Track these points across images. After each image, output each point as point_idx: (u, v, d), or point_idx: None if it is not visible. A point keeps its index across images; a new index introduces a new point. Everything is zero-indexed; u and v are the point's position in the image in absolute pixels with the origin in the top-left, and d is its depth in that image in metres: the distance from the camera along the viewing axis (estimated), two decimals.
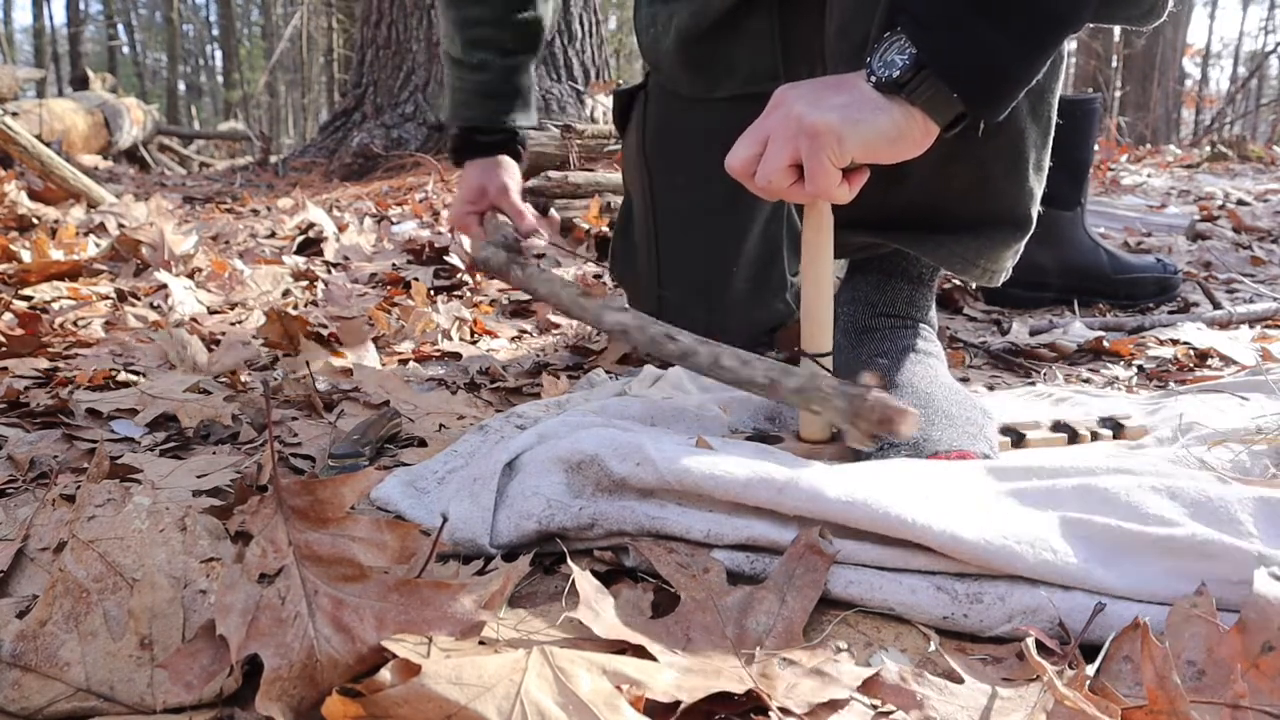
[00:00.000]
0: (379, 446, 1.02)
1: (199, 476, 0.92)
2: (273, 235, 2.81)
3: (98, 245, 2.24)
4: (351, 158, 5.01)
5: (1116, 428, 0.99)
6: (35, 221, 2.61)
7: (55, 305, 1.74)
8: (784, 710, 0.53)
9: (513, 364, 1.44)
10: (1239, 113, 9.79)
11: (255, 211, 3.60)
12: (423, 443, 1.04)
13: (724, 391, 1.10)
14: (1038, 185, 0.99)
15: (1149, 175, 4.27)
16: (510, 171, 1.35)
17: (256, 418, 1.11)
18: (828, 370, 0.91)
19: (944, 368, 1.05)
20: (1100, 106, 1.98)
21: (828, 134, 0.76)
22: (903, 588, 0.66)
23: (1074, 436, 0.97)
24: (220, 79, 22.82)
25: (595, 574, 0.68)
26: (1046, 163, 0.99)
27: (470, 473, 0.81)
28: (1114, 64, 8.50)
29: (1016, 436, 0.96)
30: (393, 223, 3.00)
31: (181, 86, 20.17)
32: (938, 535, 0.65)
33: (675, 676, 0.55)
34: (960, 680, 0.58)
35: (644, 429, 0.93)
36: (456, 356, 1.47)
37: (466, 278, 2.10)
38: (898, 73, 0.76)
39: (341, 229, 2.68)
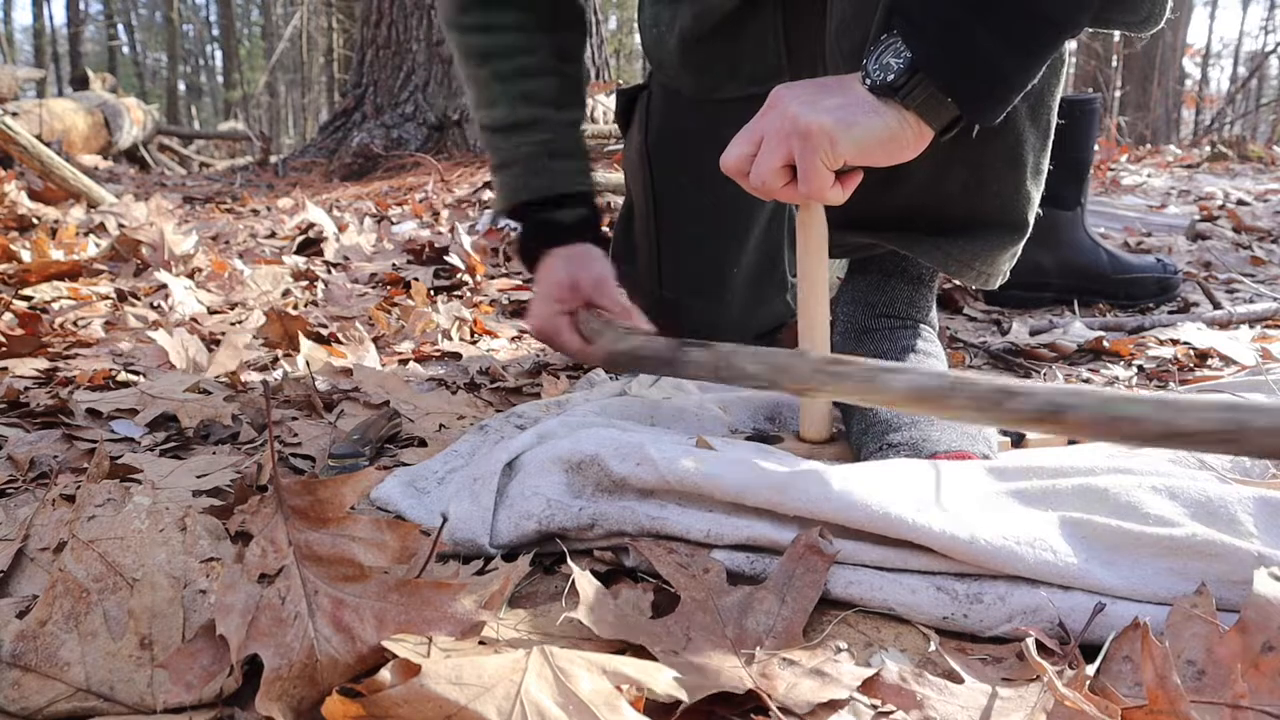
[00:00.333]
0: (379, 446, 1.02)
1: (199, 476, 0.92)
2: (273, 235, 2.81)
3: (98, 245, 2.24)
4: (351, 158, 5.01)
5: None
6: (35, 221, 2.61)
7: (55, 305, 1.74)
8: (784, 710, 0.53)
9: (513, 364, 1.44)
10: (1239, 113, 9.79)
11: (255, 211, 3.60)
12: (423, 443, 1.04)
13: (724, 391, 1.10)
14: (1036, 189, 0.99)
15: (1149, 175, 4.27)
16: (601, 259, 1.09)
17: (256, 418, 1.11)
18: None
19: (944, 368, 1.05)
20: (1100, 106, 1.98)
21: (820, 135, 0.76)
22: (903, 588, 0.66)
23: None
24: (220, 79, 22.83)
25: (595, 574, 0.68)
26: (1045, 166, 0.99)
27: (470, 473, 0.81)
28: (1114, 64, 8.50)
29: (1016, 436, 0.96)
30: (393, 223, 3.00)
31: (181, 86, 20.17)
32: (937, 536, 0.65)
33: (675, 676, 0.55)
34: (960, 680, 0.58)
35: (644, 429, 0.93)
36: (456, 356, 1.47)
37: (467, 278, 2.10)
38: (892, 76, 0.76)
39: (341, 229, 2.68)
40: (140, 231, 2.19)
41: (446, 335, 1.58)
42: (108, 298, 1.81)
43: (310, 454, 1.00)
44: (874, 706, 0.55)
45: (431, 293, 1.94)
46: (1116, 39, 8.31)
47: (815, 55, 1.08)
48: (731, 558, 0.70)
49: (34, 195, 2.90)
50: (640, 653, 0.58)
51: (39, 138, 3.65)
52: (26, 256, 2.00)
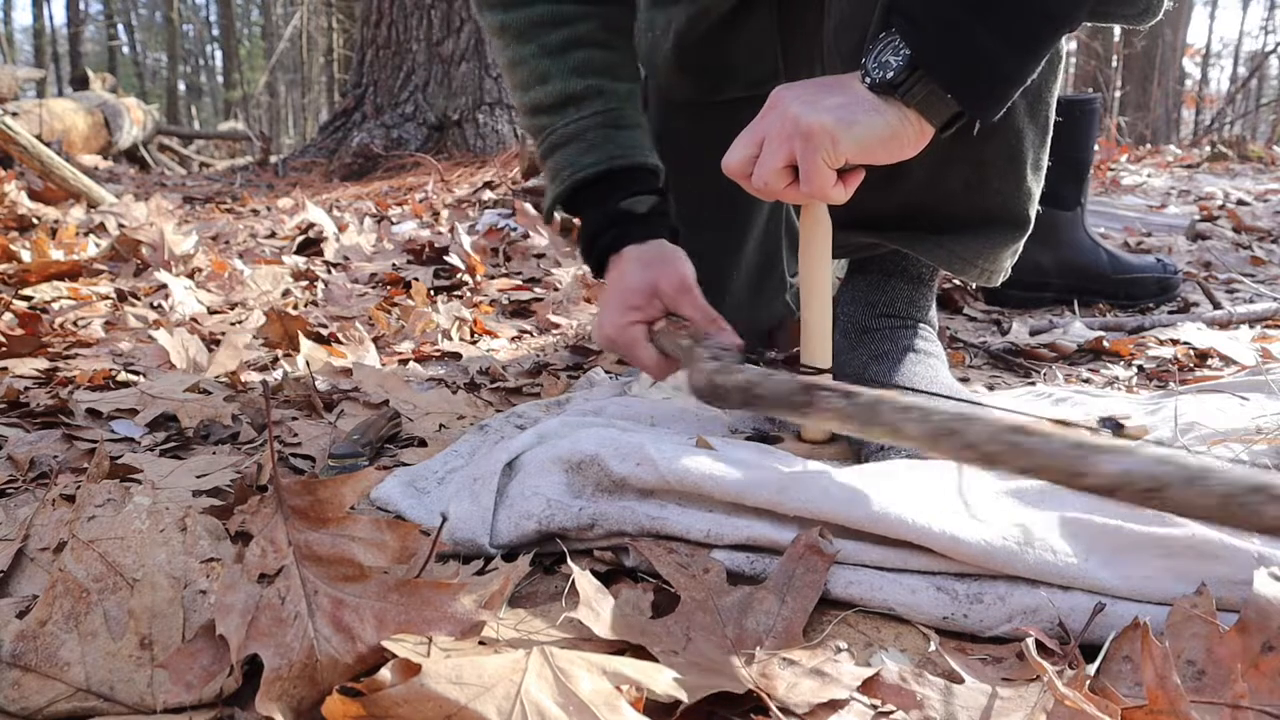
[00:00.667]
0: (379, 446, 1.02)
1: (199, 476, 0.92)
2: (273, 235, 2.81)
3: (98, 245, 2.24)
4: (351, 158, 5.01)
5: (1116, 428, 0.99)
6: (35, 221, 2.61)
7: (55, 305, 1.74)
8: (784, 710, 0.53)
9: (513, 364, 1.44)
10: (1239, 113, 9.79)
11: (255, 211, 3.60)
12: (423, 443, 1.04)
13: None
14: (1036, 185, 0.99)
15: (1149, 175, 4.27)
16: (682, 259, 0.97)
17: (256, 418, 1.11)
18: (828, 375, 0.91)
19: (944, 368, 1.05)
20: (1100, 106, 1.98)
21: (822, 135, 0.76)
22: (903, 588, 0.66)
23: None
24: (220, 79, 22.84)
25: (595, 574, 0.68)
26: (1045, 162, 0.99)
27: (470, 473, 0.81)
28: (1114, 64, 8.50)
29: None
30: (393, 223, 3.00)
31: (181, 86, 20.17)
32: (937, 536, 0.65)
33: (675, 676, 0.55)
34: (960, 680, 0.58)
35: (644, 429, 0.93)
36: (456, 356, 1.47)
37: (467, 278, 2.10)
38: (892, 73, 0.76)
39: (341, 229, 2.68)
40: (140, 231, 2.19)
41: (446, 335, 1.58)
42: (108, 298, 1.81)
43: (310, 454, 1.00)
44: (874, 706, 0.55)
45: (431, 293, 1.94)
46: (1116, 38, 8.31)
47: (811, 56, 1.08)
48: (731, 558, 0.70)
49: (34, 195, 2.90)
50: (640, 653, 0.58)
51: (39, 138, 3.65)
52: (26, 256, 2.00)
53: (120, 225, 2.53)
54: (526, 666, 0.52)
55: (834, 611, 0.67)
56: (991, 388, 1.32)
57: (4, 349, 1.35)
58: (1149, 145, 6.76)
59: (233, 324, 1.66)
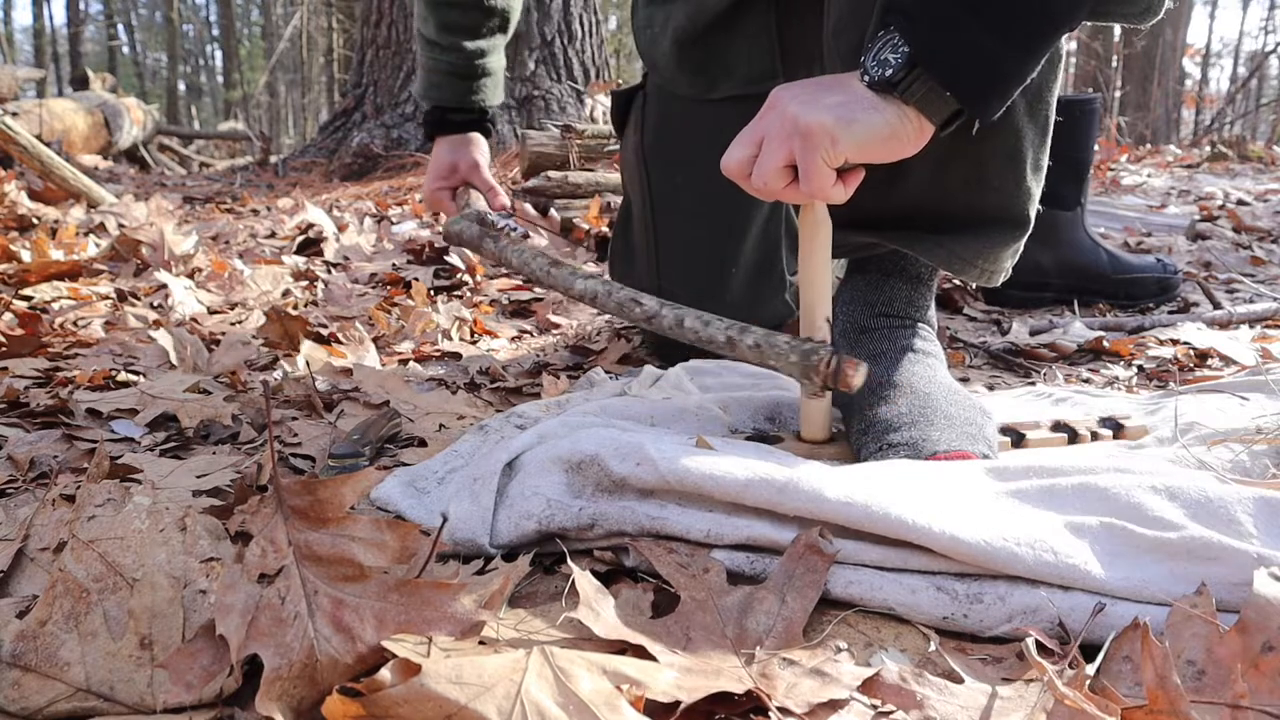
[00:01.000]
0: (379, 446, 1.02)
1: (199, 476, 0.92)
2: (273, 235, 2.81)
3: (98, 245, 2.24)
4: (351, 158, 5.01)
5: (1116, 428, 0.99)
6: (35, 221, 2.61)
7: (55, 305, 1.74)
8: (784, 710, 0.53)
9: (513, 364, 1.44)
10: (1239, 113, 9.79)
11: (255, 211, 3.60)
12: (423, 443, 1.04)
13: (724, 392, 1.10)
14: (1036, 185, 0.99)
15: (1149, 175, 4.27)
16: (480, 148, 1.39)
17: (256, 418, 1.11)
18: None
19: (943, 368, 1.05)
20: (1100, 106, 1.98)
21: (821, 134, 0.76)
22: (903, 588, 0.66)
23: (1074, 436, 0.97)
24: (220, 79, 22.84)
25: (595, 574, 0.68)
26: (1045, 162, 0.99)
27: (470, 473, 0.81)
28: (1114, 64, 8.51)
29: (1016, 436, 0.96)
30: (393, 223, 3.00)
31: (181, 86, 20.17)
32: (937, 536, 0.65)
33: (675, 676, 0.55)
34: (960, 680, 0.58)
35: (644, 429, 0.93)
36: (456, 356, 1.47)
37: (467, 278, 2.10)
38: (891, 71, 0.76)
39: (341, 229, 2.68)
40: (140, 231, 2.19)
41: (446, 335, 1.58)
42: (108, 298, 1.81)
43: (310, 454, 1.00)
44: (874, 706, 0.55)
45: (431, 293, 1.94)
46: (1116, 38, 8.32)
47: (810, 54, 1.09)
48: (731, 558, 0.70)
49: (34, 195, 2.90)
50: (640, 653, 0.58)
51: (39, 138, 3.65)
52: (26, 256, 2.00)
53: (120, 225, 2.53)
54: (526, 666, 0.52)
55: (834, 611, 0.67)
56: (991, 388, 1.32)
57: (4, 349, 1.35)
58: (1149, 145, 6.77)
59: (233, 324, 1.66)
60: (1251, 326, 1.62)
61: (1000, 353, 1.49)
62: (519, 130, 4.81)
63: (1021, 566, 0.65)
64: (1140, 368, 1.40)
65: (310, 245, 2.51)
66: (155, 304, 1.78)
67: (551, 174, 2.73)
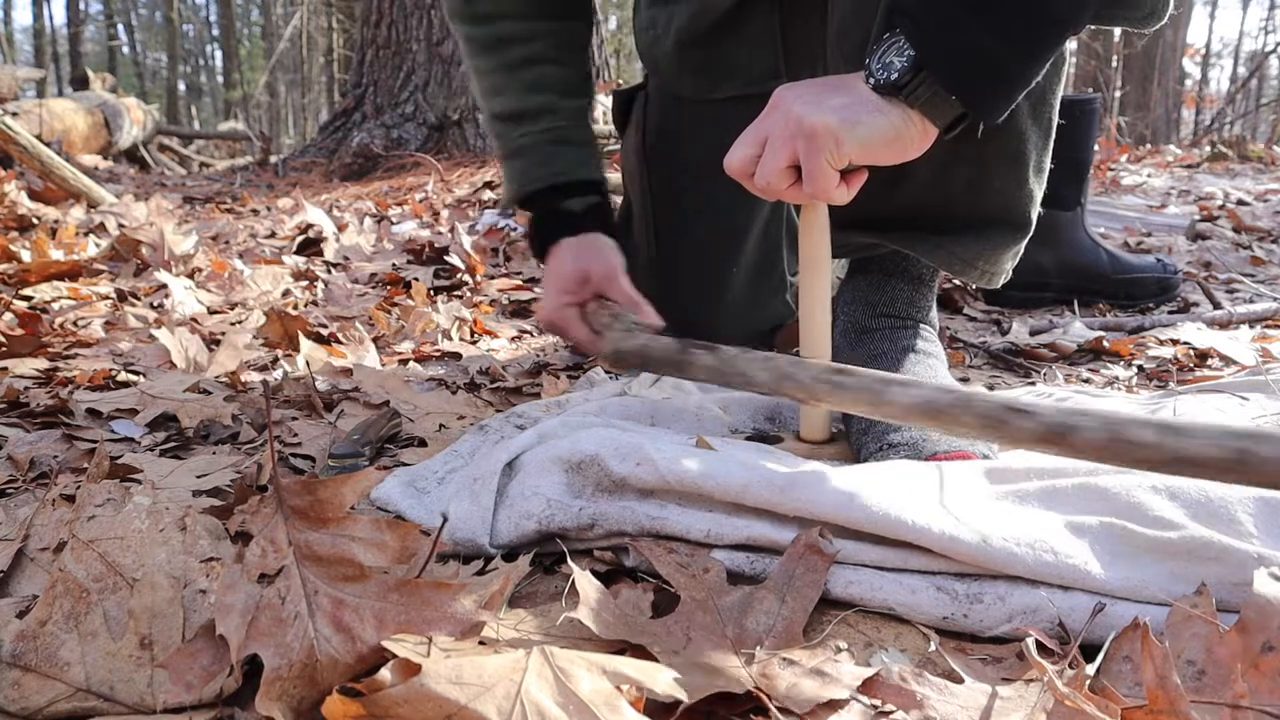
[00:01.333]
0: (379, 446, 1.02)
1: (199, 476, 0.92)
2: (273, 235, 2.81)
3: (98, 245, 2.24)
4: (351, 158, 5.01)
5: None
6: (35, 221, 2.61)
7: (55, 305, 1.74)
8: (784, 710, 0.53)
9: (513, 364, 1.44)
10: (1239, 113, 9.79)
11: (255, 211, 3.60)
12: (423, 443, 1.04)
13: (724, 391, 1.10)
14: (1038, 187, 0.99)
15: (1149, 175, 4.27)
16: (612, 249, 1.10)
17: (256, 418, 1.11)
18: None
19: (944, 368, 1.05)
20: (1100, 106, 1.98)
21: (825, 135, 0.76)
22: (903, 588, 0.66)
23: None
24: (220, 79, 22.84)
25: (595, 574, 0.68)
26: (1047, 165, 0.99)
27: (470, 473, 0.81)
28: (1114, 64, 8.51)
29: None
30: (393, 223, 3.00)
31: (181, 86, 20.18)
32: (937, 537, 0.65)
33: (675, 676, 0.55)
34: (960, 680, 0.58)
35: (644, 429, 0.93)
36: (456, 356, 1.47)
37: (467, 278, 2.10)
38: (896, 74, 0.76)
39: (341, 229, 2.68)
40: (140, 231, 2.19)
41: (446, 335, 1.58)
42: (108, 298, 1.81)
43: (310, 454, 1.00)
44: (874, 706, 0.55)
45: (431, 293, 1.95)
46: (1117, 38, 8.32)
47: (813, 55, 1.08)
48: (731, 558, 0.70)
49: (34, 195, 2.90)
50: (640, 653, 0.58)
51: (39, 138, 3.65)
52: (26, 256, 2.00)
53: (120, 225, 2.53)
54: (526, 666, 0.52)
55: (834, 611, 0.67)
56: (992, 388, 1.32)
57: (4, 349, 1.35)
58: (1149, 145, 6.77)
59: (233, 324, 1.66)
60: (1251, 326, 1.62)
61: (1000, 353, 1.49)
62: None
63: (1021, 566, 0.65)
64: (1140, 368, 1.40)
65: (310, 245, 2.51)
66: (155, 304, 1.78)
67: None
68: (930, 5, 0.76)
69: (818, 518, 0.69)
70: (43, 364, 1.31)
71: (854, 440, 0.95)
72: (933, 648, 0.63)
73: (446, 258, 2.21)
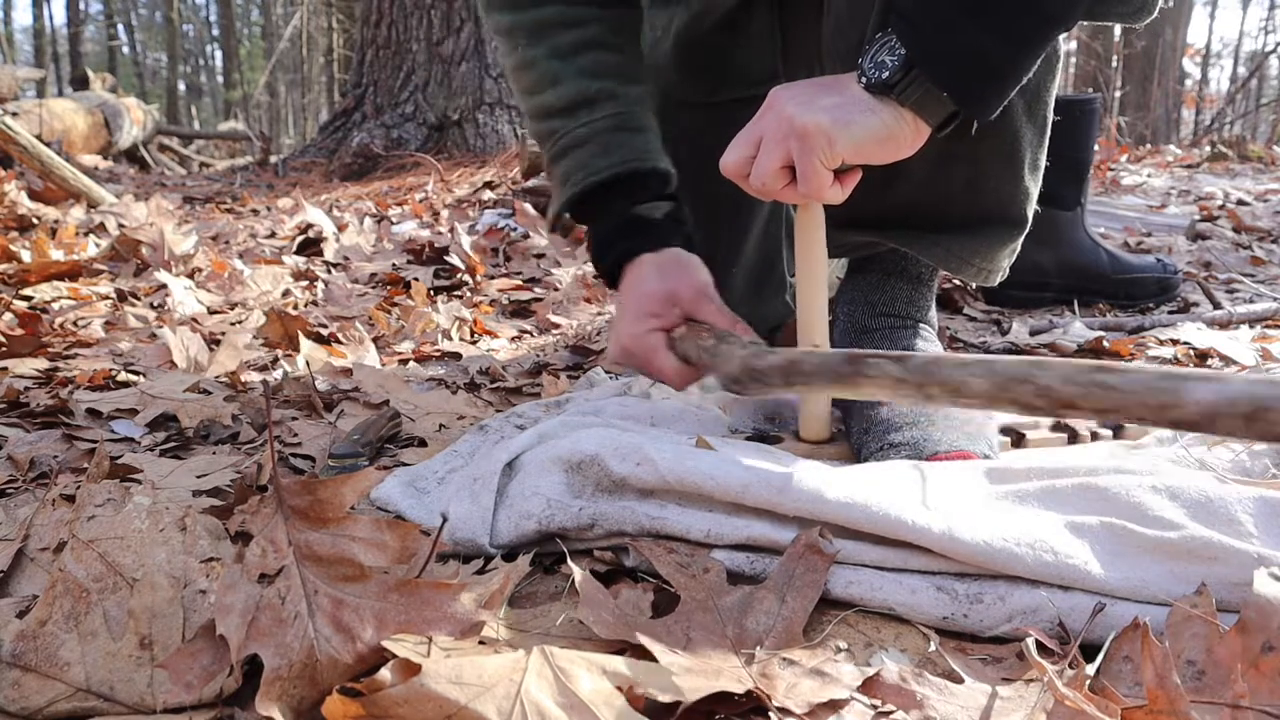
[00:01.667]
0: (379, 446, 1.02)
1: (199, 476, 0.92)
2: (273, 235, 2.81)
3: (98, 245, 2.24)
4: (351, 158, 5.01)
5: (1116, 428, 0.99)
6: (35, 221, 2.61)
7: (55, 305, 1.74)
8: (784, 710, 0.53)
9: (513, 364, 1.44)
10: (1239, 113, 9.79)
11: (255, 211, 3.60)
12: (423, 443, 1.04)
13: (724, 392, 1.10)
14: (1034, 184, 0.99)
15: (1149, 175, 4.27)
16: (699, 265, 0.96)
17: (256, 418, 1.11)
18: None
19: None
20: (1100, 106, 1.98)
21: (818, 135, 0.77)
22: (903, 588, 0.66)
23: (1074, 436, 0.97)
24: (220, 79, 22.84)
25: (595, 574, 0.68)
26: (1043, 162, 0.99)
27: (470, 473, 0.81)
28: (1114, 64, 8.51)
29: (1016, 436, 0.96)
30: (393, 223, 3.00)
31: (181, 86, 20.17)
32: (937, 537, 0.65)
33: (675, 676, 0.55)
34: (960, 680, 0.58)
35: (644, 429, 0.93)
36: (456, 356, 1.47)
37: (467, 278, 2.10)
38: (887, 73, 0.77)
39: (341, 229, 2.68)
40: (140, 231, 2.19)
41: (446, 335, 1.58)
42: (108, 298, 1.81)
43: (310, 454, 1.00)
44: (874, 706, 0.55)
45: (431, 293, 1.94)
46: (1116, 38, 8.31)
47: (811, 56, 1.08)
48: (731, 558, 0.70)
49: (34, 195, 2.90)
50: (640, 653, 0.58)
51: (39, 138, 3.65)
52: (26, 256, 2.00)
53: (120, 225, 2.53)
54: (526, 666, 0.52)
55: (834, 611, 0.67)
56: None
57: (4, 349, 1.35)
58: (1149, 145, 6.76)
59: (233, 324, 1.66)
60: (1251, 326, 1.62)
61: (1000, 353, 1.49)
62: (518, 130, 4.82)
63: (1021, 566, 0.65)
64: None
65: (310, 245, 2.51)
66: (155, 304, 1.78)
67: None
68: (922, 4, 0.76)
69: (818, 518, 0.69)
70: (43, 364, 1.31)
71: (854, 440, 0.95)
72: (933, 648, 0.63)
73: (446, 258, 2.21)
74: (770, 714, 0.53)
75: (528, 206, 2.76)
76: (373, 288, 2.06)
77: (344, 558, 0.59)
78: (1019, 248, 1.04)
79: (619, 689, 0.52)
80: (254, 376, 1.31)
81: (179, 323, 1.61)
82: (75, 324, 1.56)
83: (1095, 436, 0.98)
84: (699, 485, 0.72)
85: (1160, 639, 0.55)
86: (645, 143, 0.98)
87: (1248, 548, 0.64)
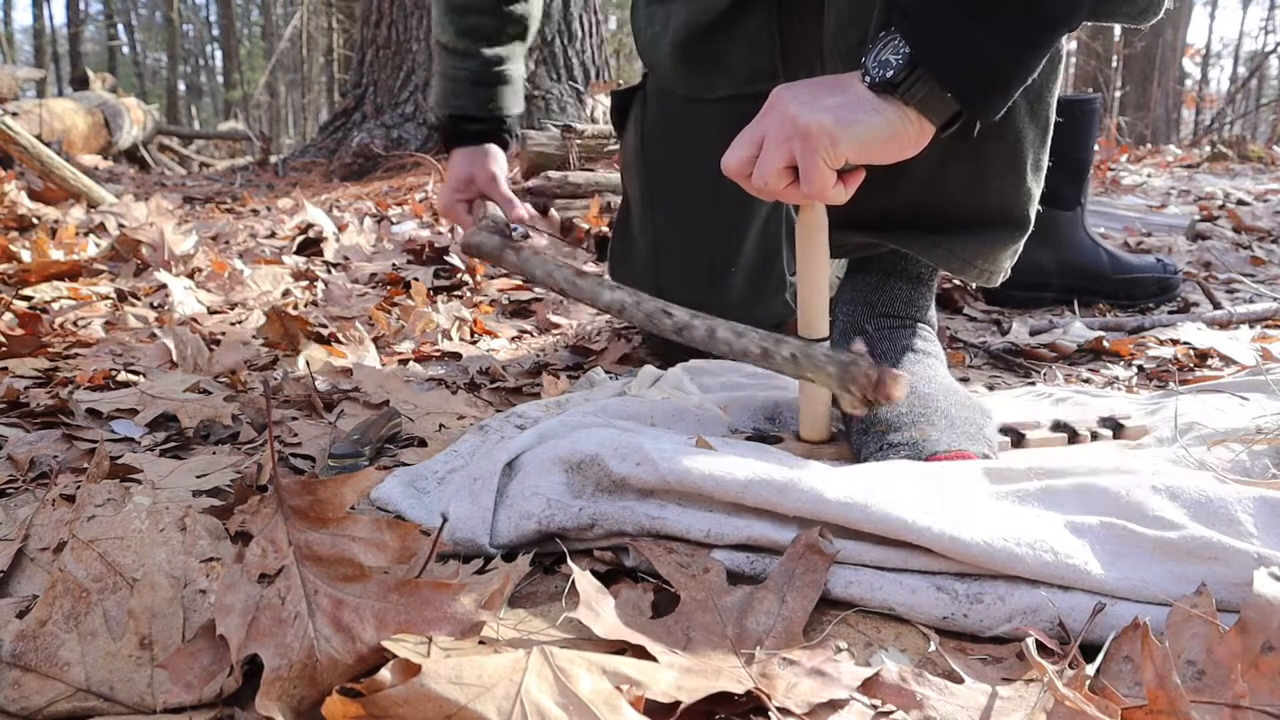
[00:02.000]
0: (379, 446, 1.02)
1: (199, 476, 0.92)
2: (273, 235, 2.81)
3: (98, 245, 2.24)
4: (351, 158, 5.01)
5: (1116, 428, 0.99)
6: (35, 221, 2.61)
7: (55, 305, 1.74)
8: (784, 710, 0.53)
9: (513, 364, 1.44)
10: (1239, 113, 9.79)
11: (255, 211, 3.60)
12: (423, 443, 1.04)
13: (724, 392, 1.10)
14: (1036, 185, 0.99)
15: (1149, 175, 4.27)
16: (498, 160, 1.35)
17: (256, 418, 1.11)
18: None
19: (943, 368, 1.05)
20: (1100, 106, 1.98)
21: (822, 135, 0.76)
22: (903, 588, 0.66)
23: (1074, 436, 0.97)
24: (220, 79, 22.84)
25: (595, 574, 0.68)
26: (1045, 162, 0.99)
27: (470, 473, 0.81)
28: (1114, 64, 8.51)
29: (1016, 436, 0.96)
30: (393, 223, 3.00)
31: (181, 86, 20.17)
32: (937, 537, 0.65)
33: (675, 676, 0.55)
34: (960, 680, 0.58)
35: (644, 429, 0.93)
36: (456, 356, 1.47)
37: (467, 278, 2.10)
38: (891, 72, 0.76)
39: (341, 229, 2.68)
40: (140, 231, 2.19)
41: (446, 335, 1.58)
42: (108, 298, 1.81)
43: (310, 454, 1.00)
44: (874, 706, 0.55)
45: (431, 293, 1.94)
46: (1116, 38, 8.32)
47: (810, 54, 1.09)
48: (731, 558, 0.70)
49: (34, 195, 2.90)
50: (640, 653, 0.58)
51: (39, 138, 3.65)
52: (26, 256, 2.00)
53: (120, 225, 2.53)
54: (526, 666, 0.52)
55: (834, 611, 0.67)
56: (991, 388, 1.32)
57: (4, 349, 1.35)
58: (1149, 145, 6.76)
59: (233, 324, 1.66)
60: (1251, 326, 1.62)
61: (1000, 353, 1.49)
62: (519, 130, 4.82)
63: (1021, 567, 0.65)
64: (1140, 368, 1.40)
65: (310, 245, 2.51)
66: (155, 304, 1.78)
67: (551, 174, 2.73)
68: (926, 4, 0.76)
69: (818, 518, 0.69)
70: (43, 364, 1.31)
71: (854, 440, 0.95)
72: (933, 648, 0.63)
73: (446, 258, 2.21)
74: (770, 714, 0.53)
75: (528, 206, 2.76)
76: (373, 288, 2.06)
77: (344, 558, 0.59)
78: (1021, 249, 1.04)
79: (619, 689, 0.52)
80: (254, 376, 1.31)
81: (179, 323, 1.61)
82: (75, 324, 1.56)
83: (1095, 436, 0.98)
84: (699, 485, 0.72)
85: (1160, 639, 0.55)
86: (483, 95, 1.37)
87: (1248, 548, 0.64)
